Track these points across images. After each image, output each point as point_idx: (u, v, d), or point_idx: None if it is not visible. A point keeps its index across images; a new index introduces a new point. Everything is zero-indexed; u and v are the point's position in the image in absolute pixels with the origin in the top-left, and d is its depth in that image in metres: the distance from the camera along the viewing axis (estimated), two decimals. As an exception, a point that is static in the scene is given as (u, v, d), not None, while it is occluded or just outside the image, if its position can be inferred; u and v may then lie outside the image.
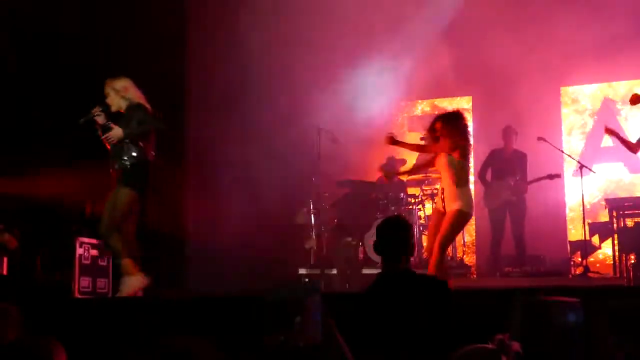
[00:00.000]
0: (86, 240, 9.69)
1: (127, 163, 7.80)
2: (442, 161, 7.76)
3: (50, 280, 9.40)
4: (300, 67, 11.75)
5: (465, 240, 12.24)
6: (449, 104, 13.16)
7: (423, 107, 13.75)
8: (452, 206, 7.56)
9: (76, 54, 11.24)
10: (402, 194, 11.47)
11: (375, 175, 12.02)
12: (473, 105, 13.28)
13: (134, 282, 7.78)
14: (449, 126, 7.67)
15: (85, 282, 9.41)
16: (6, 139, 11.50)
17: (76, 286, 9.27)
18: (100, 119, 7.92)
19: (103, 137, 7.86)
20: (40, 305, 6.46)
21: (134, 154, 7.83)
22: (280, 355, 1.87)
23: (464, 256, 12.06)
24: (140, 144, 7.87)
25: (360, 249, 10.89)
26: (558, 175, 11.45)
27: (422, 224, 11.37)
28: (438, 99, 13.55)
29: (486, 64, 11.92)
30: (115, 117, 7.93)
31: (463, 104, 13.19)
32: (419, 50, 11.94)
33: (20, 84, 11.37)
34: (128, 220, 7.91)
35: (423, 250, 11.35)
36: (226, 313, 6.44)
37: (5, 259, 9.34)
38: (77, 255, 9.40)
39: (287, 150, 11.69)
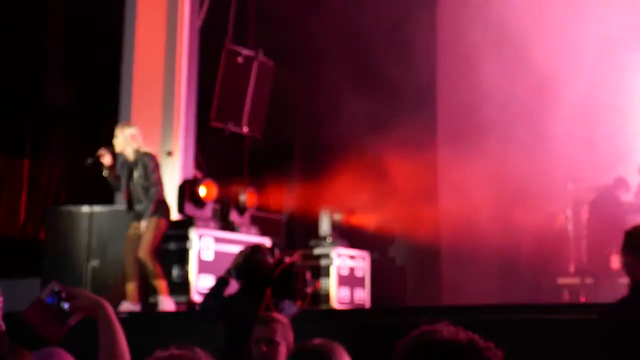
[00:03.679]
0: (344, 251, 9.91)
1: (144, 207, 8.25)
2: None
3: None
4: (559, 70, 11.39)
5: None
6: None
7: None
8: None
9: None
10: (666, 199, 10.90)
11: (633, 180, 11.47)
12: None
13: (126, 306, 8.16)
14: None
15: (344, 292, 9.63)
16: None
17: (335, 296, 9.51)
18: (106, 160, 8.36)
19: (107, 177, 8.42)
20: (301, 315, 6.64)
21: (151, 199, 8.25)
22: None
23: None
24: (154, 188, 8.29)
25: (614, 257, 10.40)
26: None
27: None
28: None
29: None
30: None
31: None
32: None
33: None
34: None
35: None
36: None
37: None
38: (335, 266, 9.64)
39: (544, 155, 11.39)
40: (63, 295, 2.90)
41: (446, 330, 2.17)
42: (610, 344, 4.70)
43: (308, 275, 5.68)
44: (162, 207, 8.35)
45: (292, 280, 5.66)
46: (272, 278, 5.67)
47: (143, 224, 8.25)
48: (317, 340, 3.46)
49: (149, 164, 8.37)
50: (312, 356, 3.40)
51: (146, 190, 8.33)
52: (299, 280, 5.66)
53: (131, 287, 8.22)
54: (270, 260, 5.81)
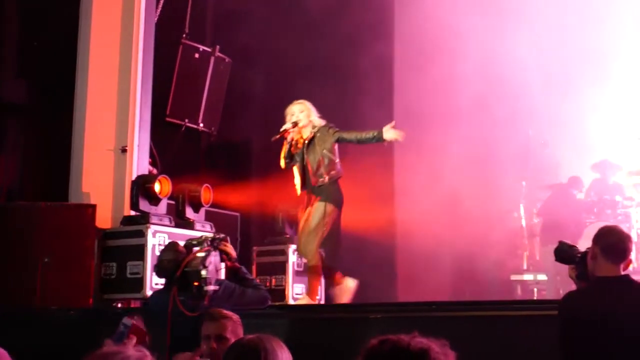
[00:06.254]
0: (299, 247, 9.91)
1: (326, 178, 8.07)
2: None
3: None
4: (511, 70, 11.49)
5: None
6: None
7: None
8: None
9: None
10: (618, 197, 11.03)
11: (587, 179, 11.62)
12: None
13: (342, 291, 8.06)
14: None
15: (299, 288, 9.65)
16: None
17: (290, 292, 9.52)
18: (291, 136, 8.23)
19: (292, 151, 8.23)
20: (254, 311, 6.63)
21: (333, 172, 8.09)
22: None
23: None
24: (337, 160, 8.13)
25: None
26: None
27: (640, 228, 10.89)
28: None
29: None
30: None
31: None
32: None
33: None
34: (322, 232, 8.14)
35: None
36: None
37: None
38: (290, 262, 9.65)
39: (497, 153, 11.50)
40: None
41: (400, 340, 2.21)
42: (564, 335, 4.88)
43: (206, 272, 5.65)
44: (336, 188, 8.27)
45: (190, 279, 5.67)
46: (176, 276, 5.70)
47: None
48: (250, 336, 3.47)
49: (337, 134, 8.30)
50: (246, 351, 3.40)
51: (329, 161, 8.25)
52: (195, 278, 5.65)
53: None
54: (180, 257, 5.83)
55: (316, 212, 7.98)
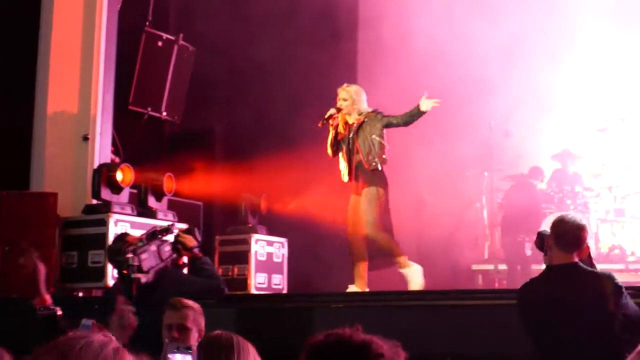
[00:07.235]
0: (262, 237, 9.92)
1: (378, 162, 8.15)
2: None
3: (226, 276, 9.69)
4: (474, 58, 11.53)
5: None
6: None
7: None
8: None
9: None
10: (577, 187, 11.14)
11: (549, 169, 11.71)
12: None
13: (415, 274, 8.12)
14: None
15: (261, 278, 9.66)
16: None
17: (252, 282, 9.52)
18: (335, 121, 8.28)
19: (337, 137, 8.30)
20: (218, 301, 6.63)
21: (384, 156, 8.19)
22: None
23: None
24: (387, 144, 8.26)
25: (529, 245, 10.61)
26: None
27: (599, 218, 11.00)
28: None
29: None
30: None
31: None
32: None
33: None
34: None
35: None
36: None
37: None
38: (252, 252, 9.66)
39: (458, 143, 11.54)
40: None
41: (344, 334, 2.23)
42: (524, 323, 5.00)
43: (135, 261, 5.64)
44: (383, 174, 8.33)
45: (120, 267, 5.68)
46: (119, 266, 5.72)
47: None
48: (219, 331, 3.50)
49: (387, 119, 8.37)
50: (221, 344, 3.44)
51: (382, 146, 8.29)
52: (124, 267, 5.64)
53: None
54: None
55: (368, 197, 8.14)
